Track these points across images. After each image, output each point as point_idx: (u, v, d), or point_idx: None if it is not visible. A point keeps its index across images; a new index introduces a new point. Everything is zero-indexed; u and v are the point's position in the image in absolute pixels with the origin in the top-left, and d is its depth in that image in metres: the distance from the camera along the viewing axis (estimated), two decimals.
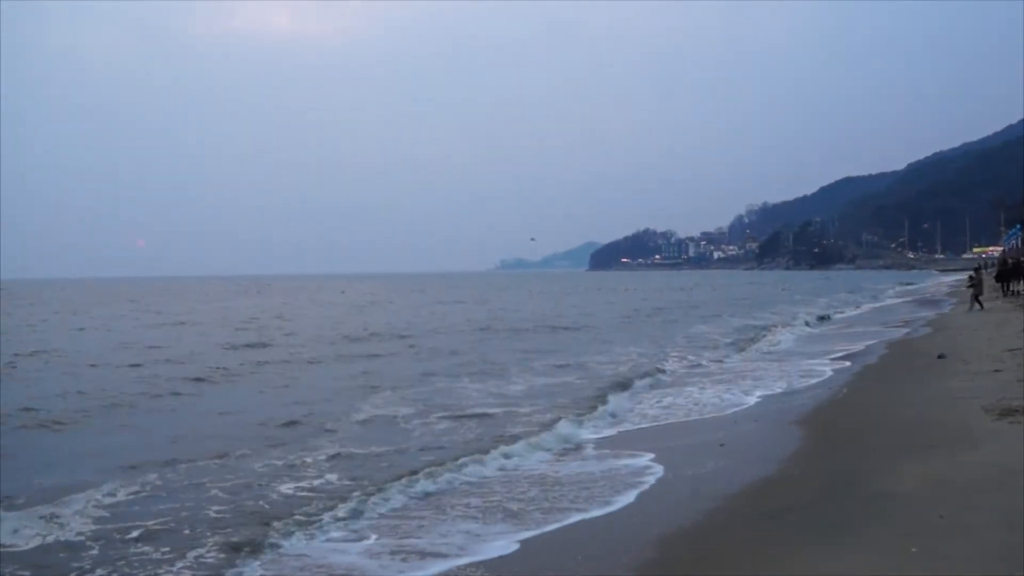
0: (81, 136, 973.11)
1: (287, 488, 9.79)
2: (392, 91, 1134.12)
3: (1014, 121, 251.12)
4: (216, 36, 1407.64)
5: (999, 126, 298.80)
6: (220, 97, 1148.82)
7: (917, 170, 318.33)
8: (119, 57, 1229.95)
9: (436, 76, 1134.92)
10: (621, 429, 13.58)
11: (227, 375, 20.95)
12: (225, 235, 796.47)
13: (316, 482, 10.09)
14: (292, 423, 13.94)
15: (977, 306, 33.80)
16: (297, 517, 8.54)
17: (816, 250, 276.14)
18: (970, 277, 36.83)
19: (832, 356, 22.12)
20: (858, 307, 46.44)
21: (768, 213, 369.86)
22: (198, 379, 19.92)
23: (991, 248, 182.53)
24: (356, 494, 9.34)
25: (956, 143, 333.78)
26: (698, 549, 7.13)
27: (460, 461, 10.79)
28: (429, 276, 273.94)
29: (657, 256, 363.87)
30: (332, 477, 10.32)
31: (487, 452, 11.29)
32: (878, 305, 49.11)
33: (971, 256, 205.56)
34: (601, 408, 15.12)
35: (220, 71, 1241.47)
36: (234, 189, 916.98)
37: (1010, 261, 48.13)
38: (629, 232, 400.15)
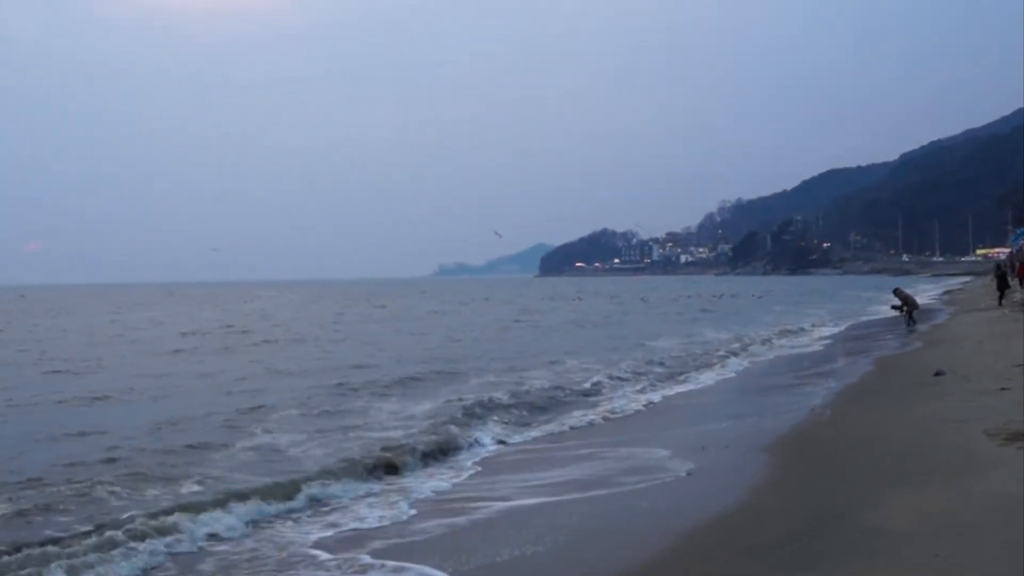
0: None
1: None
2: (318, 66, 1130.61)
3: (1023, 105, 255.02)
4: (124, 12, 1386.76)
5: (1006, 111, 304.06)
6: (130, 75, 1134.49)
7: (912, 161, 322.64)
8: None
9: (367, 50, 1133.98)
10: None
11: None
12: (137, 235, 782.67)
13: None
14: None
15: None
16: None
17: (797, 253, 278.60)
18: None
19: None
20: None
21: (743, 211, 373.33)
22: None
23: (997, 250, 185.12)
24: None
25: (956, 131, 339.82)
26: None
27: None
28: (357, 283, 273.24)
29: (617, 260, 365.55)
30: None
31: None
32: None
33: (974, 259, 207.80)
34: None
35: (130, 49, 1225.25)
36: (143, 181, 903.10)
37: (1002, 266, 48.99)
38: (585, 233, 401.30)
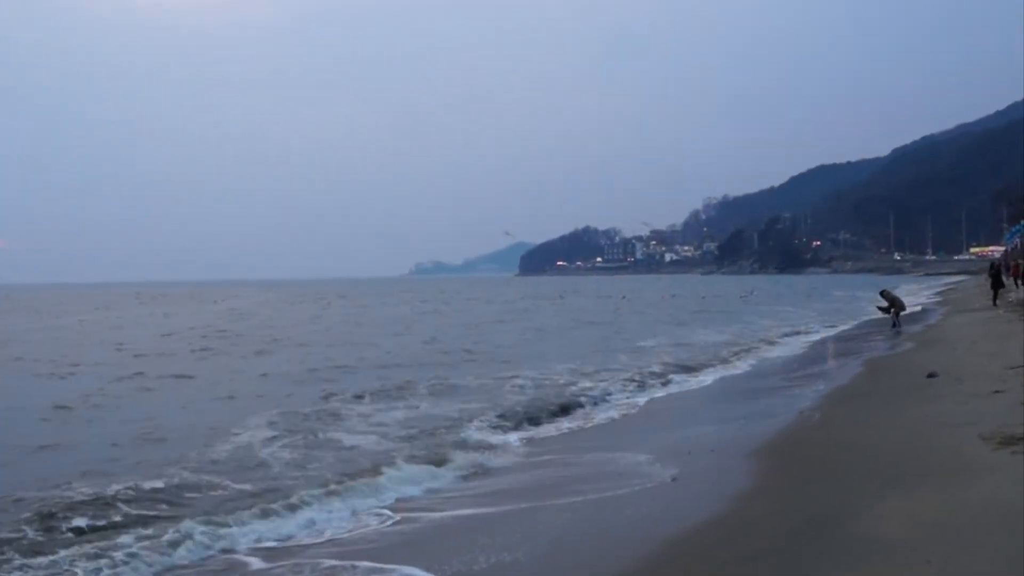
0: None
1: None
2: (286, 63, 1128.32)
3: (1019, 99, 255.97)
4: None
5: (1000, 105, 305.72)
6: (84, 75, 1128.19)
7: (904, 156, 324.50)
8: None
9: (340, 47, 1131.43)
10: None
11: None
12: (112, 234, 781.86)
13: None
14: None
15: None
16: None
17: (785, 251, 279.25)
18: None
19: None
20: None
21: (729, 208, 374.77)
22: None
23: (991, 248, 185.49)
24: None
25: (949, 125, 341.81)
26: None
27: None
28: (333, 282, 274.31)
29: (599, 258, 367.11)
30: None
31: None
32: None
33: (968, 257, 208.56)
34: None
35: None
36: (114, 179, 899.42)
37: (997, 265, 49.07)
38: (566, 231, 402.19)
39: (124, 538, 9.80)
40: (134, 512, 10.97)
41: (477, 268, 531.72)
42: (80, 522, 10.41)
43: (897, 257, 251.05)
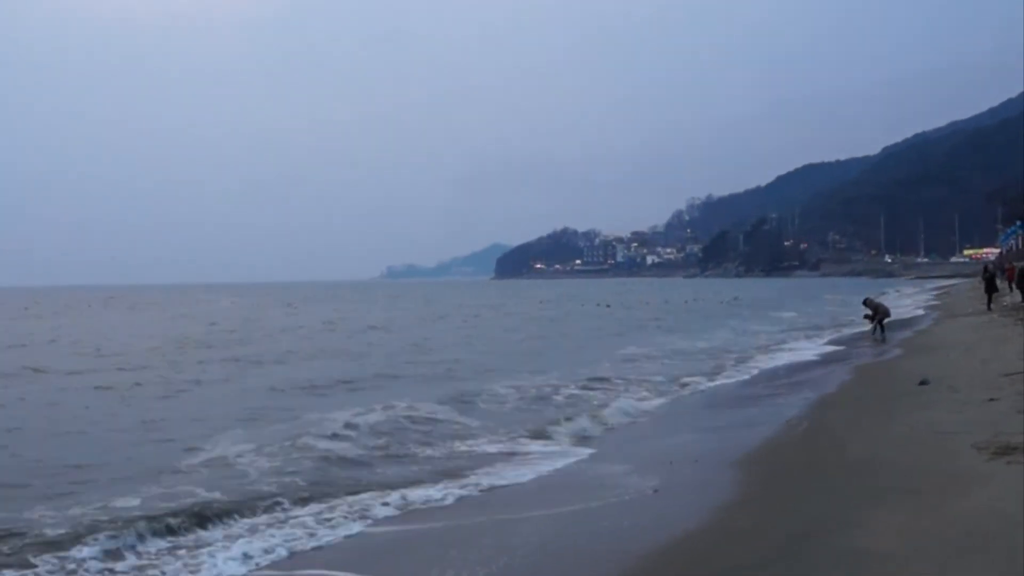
0: None
1: None
2: (257, 59, 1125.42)
3: (1014, 95, 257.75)
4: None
5: (995, 101, 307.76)
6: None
7: (895, 155, 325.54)
8: None
9: (312, 42, 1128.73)
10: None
11: None
12: (62, 235, 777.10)
13: None
14: None
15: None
16: None
17: (772, 253, 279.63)
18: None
19: None
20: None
21: (713, 208, 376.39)
22: None
23: (986, 250, 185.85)
24: None
25: (941, 122, 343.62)
26: None
27: None
28: (302, 285, 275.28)
29: (578, 261, 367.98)
30: None
31: None
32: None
33: (962, 259, 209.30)
34: None
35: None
36: (70, 179, 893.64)
37: (990, 268, 49.19)
38: (544, 232, 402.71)
39: None
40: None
41: (451, 271, 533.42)
42: None
43: (888, 260, 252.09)
